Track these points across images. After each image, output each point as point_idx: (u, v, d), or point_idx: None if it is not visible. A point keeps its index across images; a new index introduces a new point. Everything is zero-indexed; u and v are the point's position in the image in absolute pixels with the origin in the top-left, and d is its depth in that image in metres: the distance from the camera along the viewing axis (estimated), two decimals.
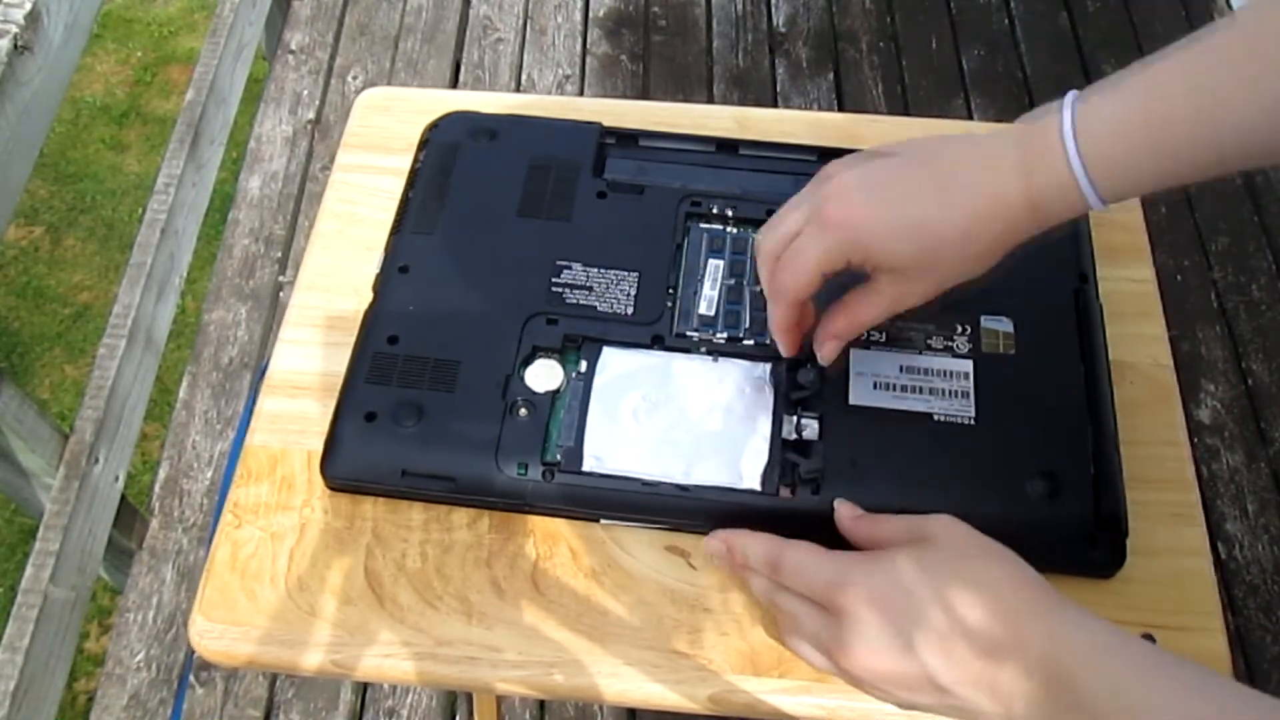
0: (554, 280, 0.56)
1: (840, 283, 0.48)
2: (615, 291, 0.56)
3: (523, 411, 0.52)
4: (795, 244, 0.47)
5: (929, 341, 0.54)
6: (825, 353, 0.50)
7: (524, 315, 0.55)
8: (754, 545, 0.47)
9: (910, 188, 0.45)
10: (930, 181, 0.44)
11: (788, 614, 0.45)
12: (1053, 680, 0.37)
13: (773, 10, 1.90)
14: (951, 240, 0.44)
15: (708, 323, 0.55)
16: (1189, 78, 0.40)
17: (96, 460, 1.14)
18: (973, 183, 0.44)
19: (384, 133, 0.66)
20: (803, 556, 0.45)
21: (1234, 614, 1.29)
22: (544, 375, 0.53)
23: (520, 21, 1.88)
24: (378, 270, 0.58)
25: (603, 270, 0.57)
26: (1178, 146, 0.41)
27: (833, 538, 0.49)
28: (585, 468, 0.51)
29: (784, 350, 0.51)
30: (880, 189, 0.45)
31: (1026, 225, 0.44)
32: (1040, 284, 0.56)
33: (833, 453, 0.51)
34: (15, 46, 0.98)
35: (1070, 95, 0.43)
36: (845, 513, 0.48)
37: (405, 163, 0.63)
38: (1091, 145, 0.41)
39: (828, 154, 0.62)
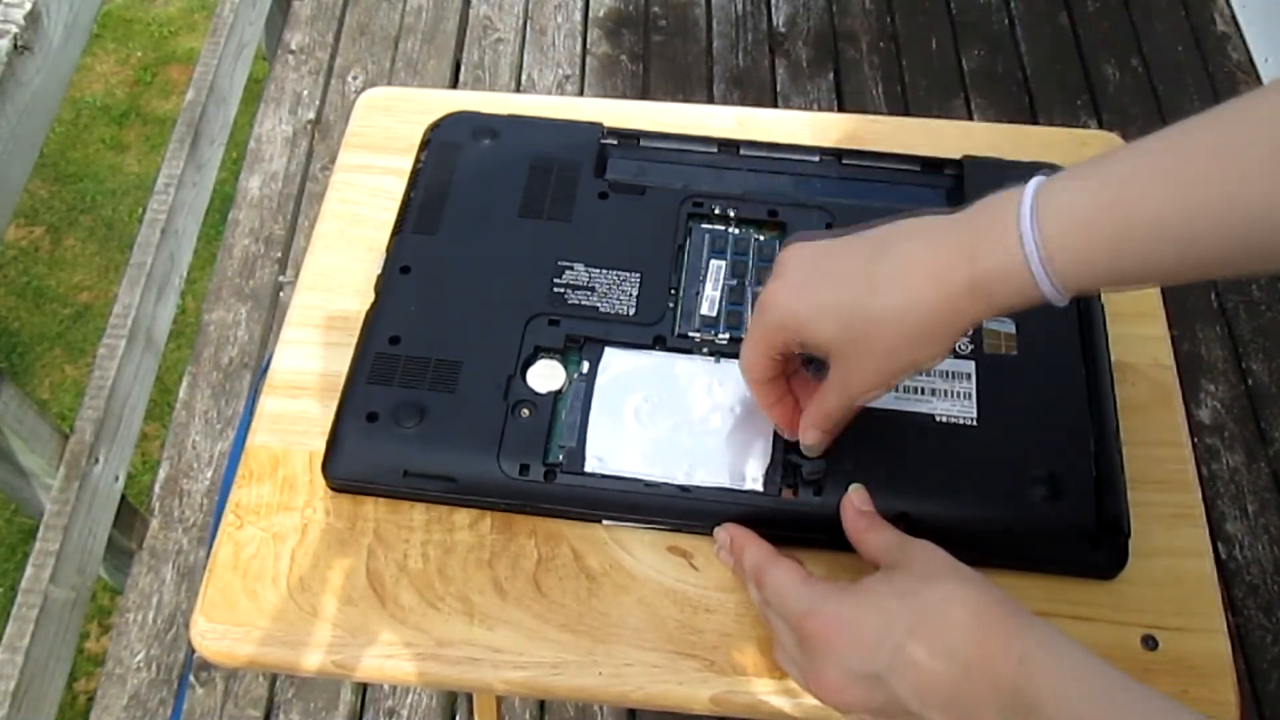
0: (556, 281, 0.56)
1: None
2: (617, 292, 0.56)
3: (524, 412, 0.52)
4: (747, 334, 0.47)
5: None
6: (807, 441, 0.49)
7: (526, 316, 0.55)
8: (748, 552, 0.47)
9: (843, 267, 0.43)
10: (865, 262, 0.42)
11: (773, 629, 0.46)
12: (1020, 706, 0.37)
13: (773, 10, 1.90)
14: (884, 321, 0.42)
15: (709, 323, 0.55)
16: (1163, 178, 0.37)
17: (96, 460, 1.14)
18: (910, 264, 0.41)
19: (385, 133, 0.66)
20: (782, 579, 0.44)
21: (1234, 614, 1.29)
22: (546, 376, 0.53)
23: (520, 21, 1.88)
24: (379, 271, 0.58)
25: (604, 271, 0.57)
26: (1143, 247, 0.38)
27: (835, 539, 0.49)
28: (587, 468, 0.51)
29: (783, 434, 0.50)
30: (813, 269, 0.44)
31: (971, 309, 0.41)
32: None
33: (834, 453, 0.51)
34: (15, 46, 0.98)
35: (1035, 180, 0.40)
36: (855, 500, 0.48)
37: (406, 163, 0.63)
38: (1051, 235, 0.38)
39: (828, 154, 0.62)
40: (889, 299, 0.41)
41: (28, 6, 0.99)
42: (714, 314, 0.56)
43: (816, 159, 0.62)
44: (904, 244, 0.42)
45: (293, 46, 1.82)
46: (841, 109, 1.77)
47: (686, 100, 1.75)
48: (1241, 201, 0.35)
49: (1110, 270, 0.39)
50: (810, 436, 0.48)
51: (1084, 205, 0.38)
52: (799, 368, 0.50)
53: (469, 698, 1.20)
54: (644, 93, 1.79)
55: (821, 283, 0.43)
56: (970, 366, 0.54)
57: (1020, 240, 0.38)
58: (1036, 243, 0.38)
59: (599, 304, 0.56)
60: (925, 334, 0.42)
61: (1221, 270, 0.39)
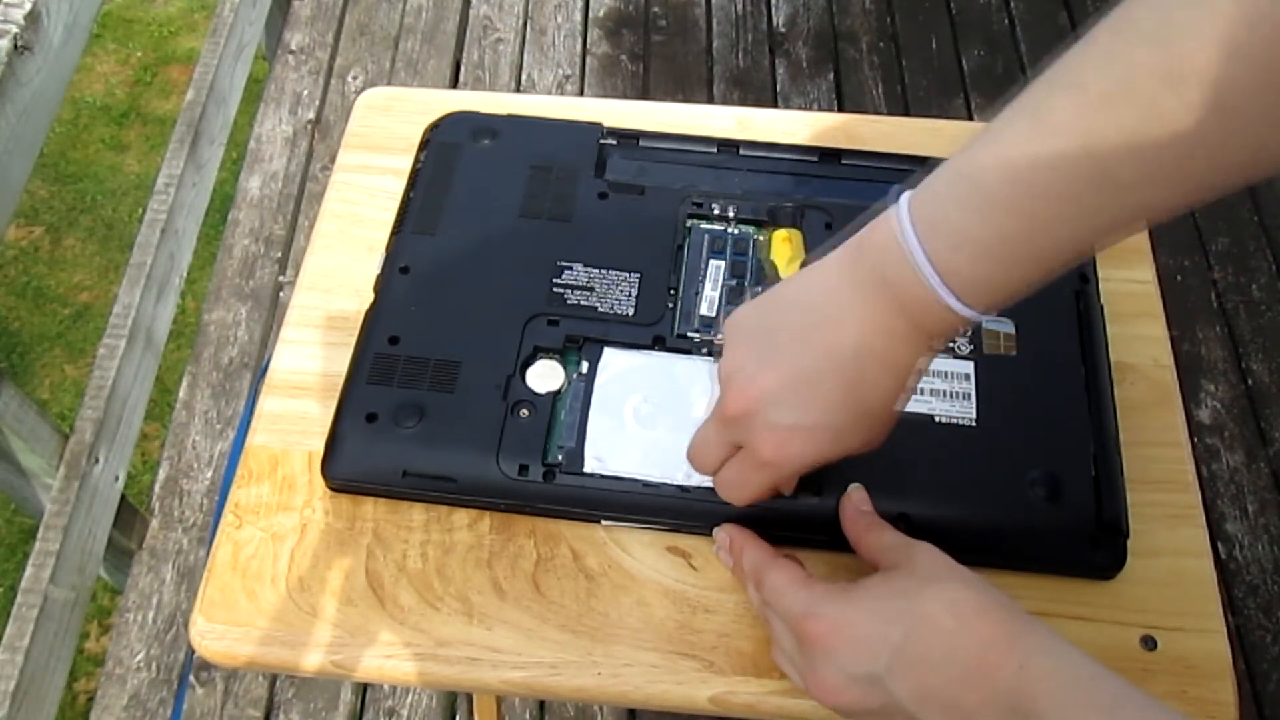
0: (555, 281, 0.56)
1: None
2: (616, 292, 0.56)
3: (524, 412, 0.52)
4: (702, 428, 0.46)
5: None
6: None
7: (525, 316, 0.55)
8: (748, 552, 0.47)
9: (783, 350, 0.41)
10: (806, 333, 0.41)
11: (772, 630, 0.46)
12: (1019, 710, 0.36)
13: (773, 10, 1.90)
14: (844, 396, 0.41)
15: (709, 323, 0.55)
16: (1014, 188, 0.35)
17: (96, 460, 1.14)
18: (846, 325, 0.40)
19: (385, 133, 0.66)
20: (781, 580, 0.44)
21: (1234, 614, 1.29)
22: (545, 376, 0.53)
23: (520, 21, 1.88)
24: (379, 271, 0.58)
25: (604, 271, 0.57)
26: (1023, 260, 0.37)
27: (833, 539, 0.49)
28: (586, 469, 0.51)
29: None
30: (760, 360, 0.42)
31: (920, 345, 0.40)
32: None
33: None
34: (15, 46, 0.98)
35: (904, 213, 0.38)
36: (854, 499, 0.48)
37: (406, 163, 0.63)
38: (945, 267, 0.37)
39: (828, 154, 0.62)
40: (833, 365, 0.40)
41: (28, 6, 0.99)
42: (713, 314, 0.56)
43: (816, 159, 0.62)
44: (832, 300, 0.41)
45: (293, 46, 1.82)
46: (841, 109, 1.77)
47: (686, 100, 1.75)
48: (1088, 201, 0.35)
49: (1008, 282, 0.38)
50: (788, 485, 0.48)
51: (961, 231, 0.37)
52: None
53: (469, 698, 1.20)
54: (644, 93, 1.80)
55: (767, 371, 0.41)
56: (969, 367, 0.54)
57: (923, 280, 0.38)
58: (940, 279, 0.37)
59: (598, 304, 0.56)
60: (882, 392, 0.41)
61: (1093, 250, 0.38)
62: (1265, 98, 0.31)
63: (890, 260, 0.38)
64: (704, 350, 0.55)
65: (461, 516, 0.52)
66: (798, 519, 0.50)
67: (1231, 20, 0.31)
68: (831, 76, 1.81)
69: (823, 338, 0.41)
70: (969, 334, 0.54)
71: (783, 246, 0.59)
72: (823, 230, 0.58)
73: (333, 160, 0.66)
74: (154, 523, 1.33)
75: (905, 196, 0.39)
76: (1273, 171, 0.33)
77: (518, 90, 1.78)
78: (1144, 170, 0.34)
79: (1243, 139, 0.32)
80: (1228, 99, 0.31)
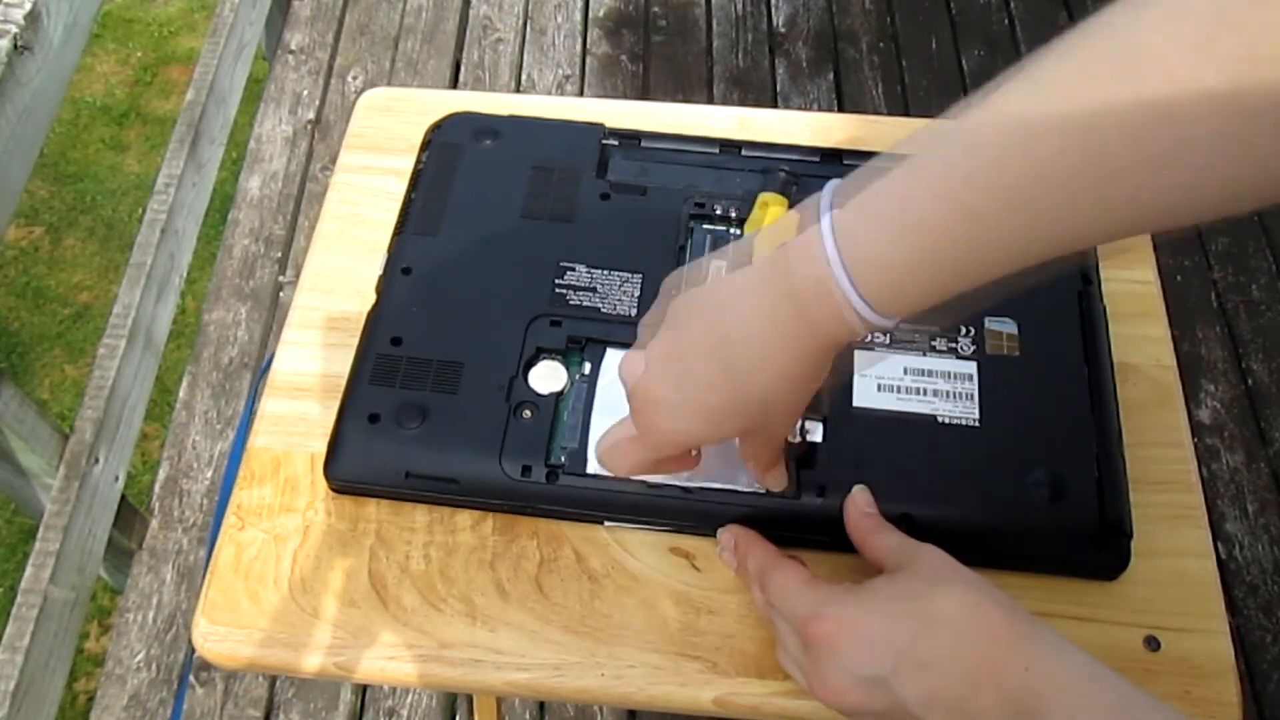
0: (557, 282, 0.56)
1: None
2: (619, 293, 0.56)
3: (526, 413, 0.52)
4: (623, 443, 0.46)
5: (933, 343, 0.54)
6: (773, 483, 0.49)
7: (527, 317, 0.55)
8: (752, 554, 0.47)
9: (702, 377, 0.41)
10: (720, 365, 0.41)
11: (776, 631, 0.46)
12: (1025, 713, 0.37)
13: (773, 10, 1.90)
14: (768, 406, 0.42)
15: None
16: (944, 197, 0.35)
17: (96, 460, 1.14)
18: (761, 347, 0.40)
19: (386, 133, 0.66)
20: (787, 581, 0.44)
21: (1234, 614, 1.29)
22: (547, 377, 0.53)
23: (520, 21, 1.87)
24: (380, 271, 0.58)
25: (606, 271, 0.57)
26: (948, 273, 0.37)
27: (836, 540, 0.49)
28: (589, 469, 0.51)
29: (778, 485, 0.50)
30: (675, 383, 0.42)
31: (822, 356, 0.41)
32: (1044, 286, 0.56)
33: (837, 455, 0.51)
34: (15, 46, 0.98)
35: (825, 223, 0.38)
36: (858, 501, 0.48)
37: (407, 163, 0.63)
38: (861, 276, 0.37)
39: (829, 154, 0.62)
40: (757, 388, 0.41)
41: (28, 6, 0.99)
42: None
43: (817, 159, 0.62)
44: (745, 330, 0.40)
45: (293, 46, 1.82)
46: (841, 109, 1.77)
47: (687, 100, 1.75)
48: (1034, 211, 0.34)
49: (935, 293, 0.38)
50: (775, 478, 0.49)
51: (883, 253, 0.37)
52: None
53: (469, 698, 1.20)
54: (644, 93, 1.79)
55: (690, 395, 0.42)
56: (972, 368, 0.54)
57: (850, 304, 0.37)
58: (856, 289, 0.37)
59: (601, 305, 0.56)
60: (789, 381, 0.41)
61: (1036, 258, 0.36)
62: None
63: (799, 257, 0.39)
64: None
65: (464, 518, 0.52)
66: (799, 520, 0.50)
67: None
68: (831, 76, 1.81)
69: (709, 316, 0.41)
70: (972, 334, 0.54)
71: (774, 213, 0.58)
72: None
73: (333, 160, 0.66)
74: (154, 523, 1.33)
75: (828, 198, 0.39)
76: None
77: (518, 90, 1.78)
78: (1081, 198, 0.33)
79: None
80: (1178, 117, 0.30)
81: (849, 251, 0.37)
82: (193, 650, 0.92)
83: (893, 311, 0.38)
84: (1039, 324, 0.55)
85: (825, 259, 0.37)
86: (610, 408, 0.52)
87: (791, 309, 0.39)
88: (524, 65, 1.82)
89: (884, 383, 0.53)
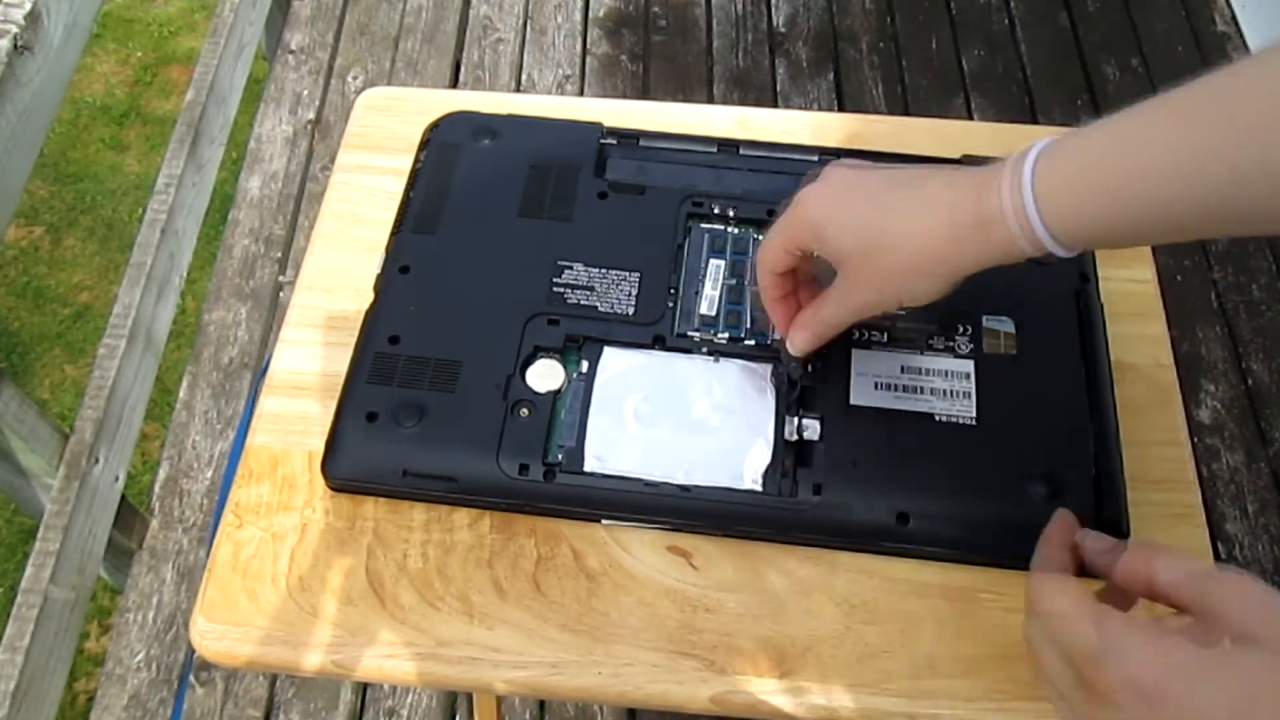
0: (555, 280, 0.56)
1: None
2: (616, 292, 0.56)
3: (524, 412, 0.52)
4: (772, 225, 0.49)
5: (930, 342, 0.54)
6: (795, 342, 0.51)
7: (525, 315, 0.55)
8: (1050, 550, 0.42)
9: (873, 189, 0.46)
10: (891, 188, 0.45)
11: (1040, 657, 0.38)
12: None
13: (773, 10, 1.90)
14: (894, 243, 0.45)
15: (709, 323, 0.55)
16: (1145, 141, 0.39)
17: (96, 460, 1.14)
18: (926, 196, 0.44)
19: (385, 133, 0.66)
20: (1062, 603, 0.36)
21: None
22: (545, 375, 0.53)
23: (520, 21, 1.87)
24: (379, 270, 0.58)
25: (604, 270, 0.57)
26: (1126, 204, 0.40)
27: (836, 540, 0.49)
28: (586, 468, 0.51)
29: (777, 326, 0.52)
30: (850, 189, 0.47)
31: (971, 247, 0.43)
32: (1042, 284, 0.56)
33: (834, 453, 0.51)
34: (15, 46, 0.98)
35: (1044, 140, 0.42)
36: (1091, 545, 0.41)
37: (406, 163, 0.63)
38: (1045, 184, 0.41)
39: (828, 154, 0.62)
40: (902, 223, 0.44)
41: (28, 6, 0.99)
42: (713, 313, 0.56)
43: (816, 159, 0.62)
44: (927, 180, 0.45)
45: (293, 46, 1.82)
46: (841, 109, 1.77)
47: (686, 100, 1.75)
48: (1210, 170, 0.37)
49: (1100, 222, 0.41)
50: (799, 339, 0.51)
51: (1075, 161, 0.41)
52: (810, 279, 0.52)
53: (469, 697, 1.20)
54: (644, 93, 1.79)
55: (852, 198, 0.46)
56: (970, 366, 0.54)
57: (1020, 185, 0.41)
58: (1032, 188, 0.41)
59: (598, 303, 0.56)
60: (926, 263, 0.44)
61: (1206, 230, 0.39)
62: None
63: (998, 177, 0.42)
64: (704, 349, 0.55)
65: (462, 516, 0.52)
66: (799, 520, 0.50)
67: None
68: (831, 76, 1.81)
69: (902, 210, 0.45)
70: (969, 332, 0.54)
71: None
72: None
73: (333, 160, 0.66)
74: (154, 523, 1.33)
75: (1046, 139, 0.42)
76: None
77: (518, 90, 1.78)
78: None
79: None
80: None
81: (1044, 163, 0.41)
82: (193, 650, 0.92)
83: (1062, 229, 0.41)
84: (1036, 323, 0.55)
85: (1021, 165, 0.41)
86: (608, 406, 0.53)
87: (971, 187, 0.43)
88: (524, 65, 1.82)
89: (881, 381, 0.53)
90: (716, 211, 0.59)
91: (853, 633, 0.49)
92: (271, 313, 1.52)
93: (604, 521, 0.52)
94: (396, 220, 0.60)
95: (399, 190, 0.61)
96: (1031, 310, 0.55)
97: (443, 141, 0.62)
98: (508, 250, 0.58)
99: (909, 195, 0.45)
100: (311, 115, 1.74)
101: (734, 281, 0.57)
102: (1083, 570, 0.42)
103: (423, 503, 0.52)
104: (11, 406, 1.03)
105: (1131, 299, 0.59)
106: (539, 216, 0.59)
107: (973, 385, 0.53)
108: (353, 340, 0.55)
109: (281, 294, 1.55)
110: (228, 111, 1.48)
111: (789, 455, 0.51)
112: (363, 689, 1.23)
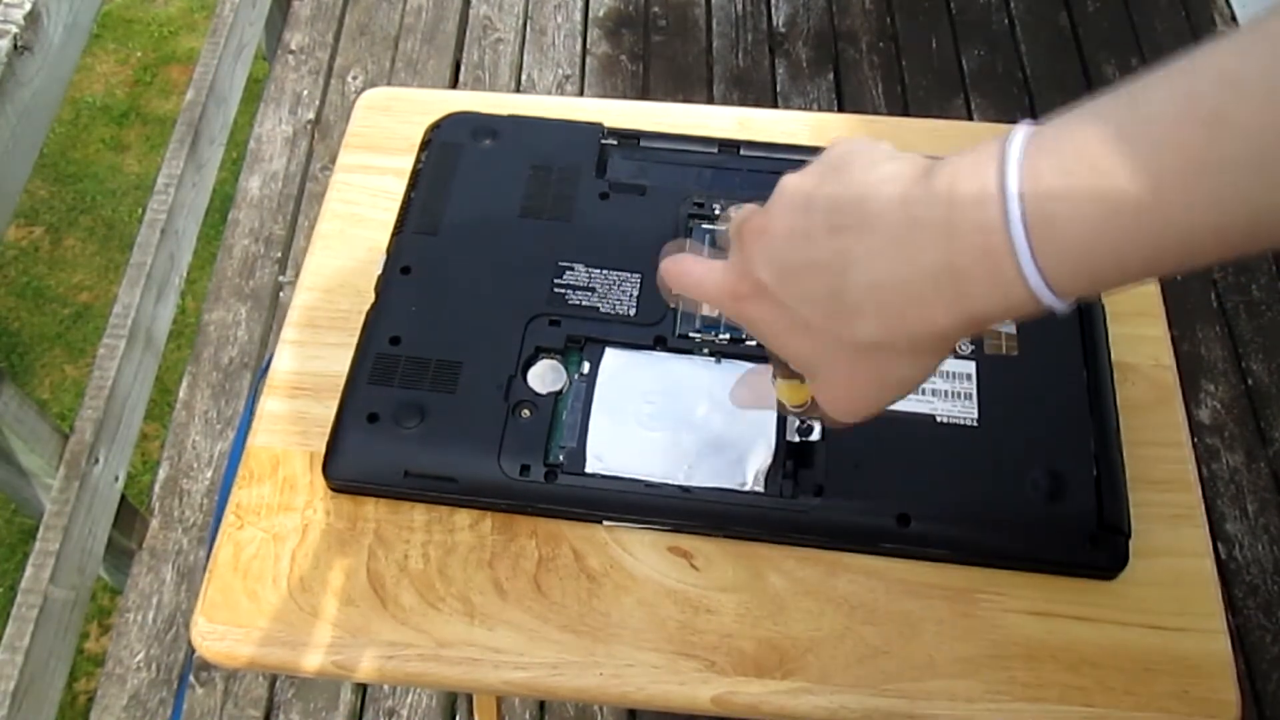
0: (556, 281, 0.56)
1: None
2: (618, 292, 0.56)
3: (525, 412, 0.52)
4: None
5: None
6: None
7: (526, 316, 0.55)
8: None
9: (820, 266, 0.36)
10: (836, 274, 0.35)
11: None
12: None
13: (773, 10, 1.90)
14: (861, 356, 0.36)
15: (710, 324, 0.55)
16: (1137, 158, 0.28)
17: (96, 460, 1.14)
18: (889, 291, 0.34)
19: (385, 133, 0.66)
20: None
21: (1234, 614, 1.29)
22: (546, 376, 0.53)
23: (520, 21, 1.87)
24: (380, 271, 0.58)
25: (605, 271, 0.57)
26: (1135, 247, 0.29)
27: (837, 541, 0.49)
28: (588, 469, 0.51)
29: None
30: (790, 260, 0.37)
31: (960, 336, 0.34)
32: None
33: (835, 454, 0.51)
34: (15, 46, 0.98)
35: (1013, 186, 0.31)
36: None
37: (407, 163, 0.63)
38: (1054, 273, 0.30)
39: None
40: (866, 330, 0.34)
41: (28, 6, 0.99)
42: (714, 315, 0.56)
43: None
44: (879, 258, 0.34)
45: (293, 46, 1.82)
46: (841, 109, 1.77)
47: (686, 100, 1.75)
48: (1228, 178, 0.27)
49: (1114, 279, 0.31)
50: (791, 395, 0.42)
51: (1083, 231, 0.30)
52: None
53: (469, 698, 1.20)
54: (644, 93, 1.79)
55: (797, 279, 0.36)
56: (971, 367, 0.54)
57: (1024, 280, 0.31)
58: (1044, 282, 0.31)
59: (600, 304, 0.56)
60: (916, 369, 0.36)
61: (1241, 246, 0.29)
62: None
63: (980, 255, 0.32)
64: (705, 350, 0.55)
65: (463, 517, 0.52)
66: (800, 521, 0.50)
67: None
68: (831, 76, 1.81)
69: (852, 239, 0.35)
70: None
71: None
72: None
73: (333, 160, 0.66)
74: (154, 523, 1.33)
75: (1012, 177, 0.31)
76: None
77: (518, 90, 1.78)
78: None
79: None
80: None
81: (1041, 238, 0.30)
82: (193, 650, 0.92)
83: (1069, 289, 0.30)
84: (1037, 324, 0.55)
85: (1001, 208, 0.30)
86: (609, 407, 0.53)
87: (944, 272, 0.32)
88: (524, 65, 1.82)
89: None
90: (717, 211, 0.59)
91: (853, 633, 0.49)
92: (271, 313, 1.52)
93: (605, 522, 0.52)
94: (397, 221, 0.60)
95: (400, 191, 0.61)
96: None
97: (444, 142, 0.62)
98: (509, 251, 0.58)
99: (862, 290, 0.34)
100: (311, 115, 1.74)
101: None
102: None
103: (424, 503, 0.52)
104: (11, 406, 1.03)
105: (1132, 299, 0.59)
106: (540, 217, 0.59)
107: (974, 386, 0.53)
108: (353, 341, 0.55)
109: (281, 294, 1.55)
110: (228, 111, 1.48)
111: (790, 456, 0.51)
112: (363, 689, 1.23)
